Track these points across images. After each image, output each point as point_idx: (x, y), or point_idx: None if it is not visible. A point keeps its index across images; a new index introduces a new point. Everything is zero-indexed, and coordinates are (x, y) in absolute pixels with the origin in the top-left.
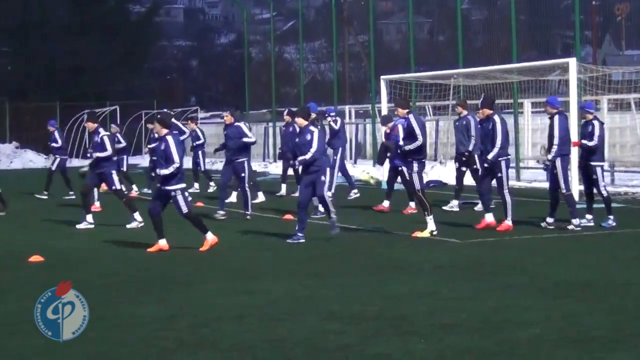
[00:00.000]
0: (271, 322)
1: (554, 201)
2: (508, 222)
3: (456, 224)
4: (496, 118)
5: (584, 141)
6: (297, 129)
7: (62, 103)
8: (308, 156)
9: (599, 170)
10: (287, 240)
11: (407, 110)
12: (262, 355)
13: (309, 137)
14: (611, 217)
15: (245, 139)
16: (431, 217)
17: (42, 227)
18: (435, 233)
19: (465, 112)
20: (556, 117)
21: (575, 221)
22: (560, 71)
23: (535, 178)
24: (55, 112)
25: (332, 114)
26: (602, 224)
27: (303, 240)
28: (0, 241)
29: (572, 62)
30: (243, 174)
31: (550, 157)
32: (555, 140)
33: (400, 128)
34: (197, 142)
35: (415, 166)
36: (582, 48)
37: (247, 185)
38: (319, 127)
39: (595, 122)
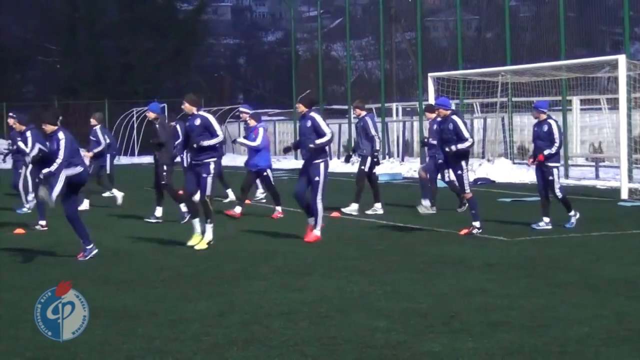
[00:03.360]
0: (320, 319)
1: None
2: (316, 233)
3: (504, 222)
4: (314, 114)
5: (546, 152)
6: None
7: (111, 100)
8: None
9: (555, 171)
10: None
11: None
12: (311, 352)
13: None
14: (571, 214)
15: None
16: (212, 225)
17: (88, 224)
18: (212, 243)
19: (363, 113)
20: (454, 117)
21: (477, 223)
22: (609, 68)
23: (584, 176)
24: (104, 109)
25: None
26: (565, 225)
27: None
28: (51, 237)
29: (622, 58)
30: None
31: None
32: (467, 137)
33: (261, 131)
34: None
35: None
36: (631, 45)
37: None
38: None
39: (552, 122)
